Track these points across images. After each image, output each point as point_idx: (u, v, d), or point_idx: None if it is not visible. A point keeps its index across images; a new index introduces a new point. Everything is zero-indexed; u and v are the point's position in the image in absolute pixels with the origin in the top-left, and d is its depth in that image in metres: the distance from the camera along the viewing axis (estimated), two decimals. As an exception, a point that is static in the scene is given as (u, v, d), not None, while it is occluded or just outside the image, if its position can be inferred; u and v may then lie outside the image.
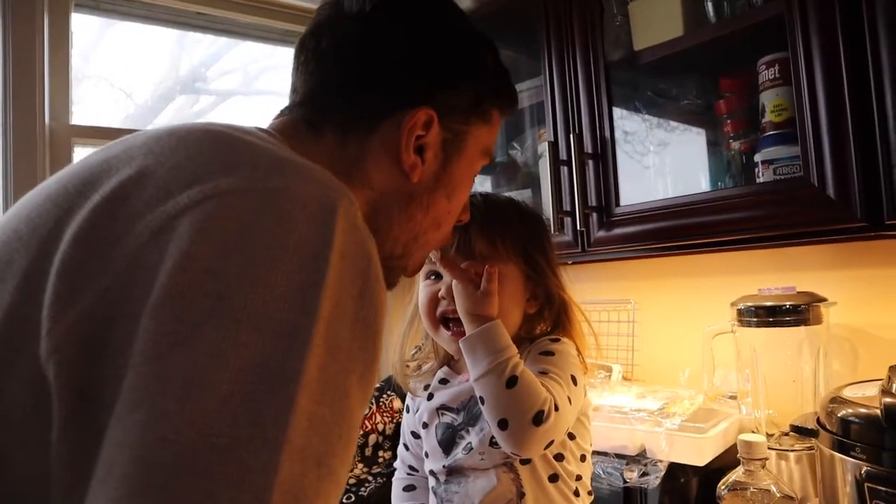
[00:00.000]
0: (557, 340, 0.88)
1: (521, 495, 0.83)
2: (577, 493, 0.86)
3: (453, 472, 0.86)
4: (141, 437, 0.35)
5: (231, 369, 0.37)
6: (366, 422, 1.55)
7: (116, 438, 0.36)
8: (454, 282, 0.83)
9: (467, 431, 0.86)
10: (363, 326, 0.43)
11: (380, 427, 1.56)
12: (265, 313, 0.39)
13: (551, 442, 0.78)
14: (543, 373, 0.82)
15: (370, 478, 1.49)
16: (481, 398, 0.78)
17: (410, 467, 0.98)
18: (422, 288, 0.89)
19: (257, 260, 0.40)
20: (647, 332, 1.34)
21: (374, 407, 1.57)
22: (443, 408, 0.89)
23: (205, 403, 0.36)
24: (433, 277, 0.88)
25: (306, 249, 0.41)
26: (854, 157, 0.81)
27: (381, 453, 1.56)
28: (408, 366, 0.95)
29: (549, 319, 0.92)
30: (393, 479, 1.00)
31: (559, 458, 0.85)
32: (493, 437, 0.82)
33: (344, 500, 1.43)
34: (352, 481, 1.48)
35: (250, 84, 1.90)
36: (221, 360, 0.37)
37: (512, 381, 0.76)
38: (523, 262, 0.88)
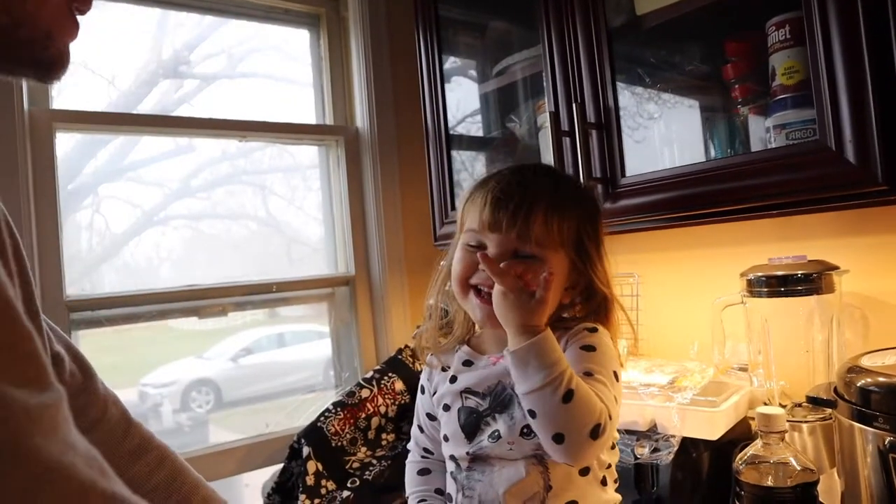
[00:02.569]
0: (595, 331, 0.83)
1: (549, 488, 0.79)
2: (604, 482, 0.83)
3: (477, 459, 0.83)
4: None
5: None
6: (367, 405, 1.52)
7: None
8: (497, 287, 0.76)
9: (493, 418, 0.82)
10: None
11: (382, 410, 1.53)
12: None
13: None
14: (588, 373, 0.78)
15: (374, 461, 1.47)
16: (532, 412, 0.73)
17: (425, 450, 0.95)
18: (461, 254, 0.83)
19: None
20: (654, 306, 1.32)
21: (375, 389, 1.54)
22: (467, 391, 0.85)
23: None
24: (474, 245, 0.82)
25: None
26: (874, 117, 0.78)
27: (384, 436, 1.54)
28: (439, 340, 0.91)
29: (583, 309, 0.87)
30: (406, 462, 0.97)
31: None
32: (524, 428, 0.79)
33: (349, 485, 1.41)
34: (356, 465, 1.46)
35: (235, 67, 1.85)
36: None
37: (568, 396, 0.72)
38: (574, 250, 0.82)
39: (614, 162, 1.10)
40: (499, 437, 0.81)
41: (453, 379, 0.87)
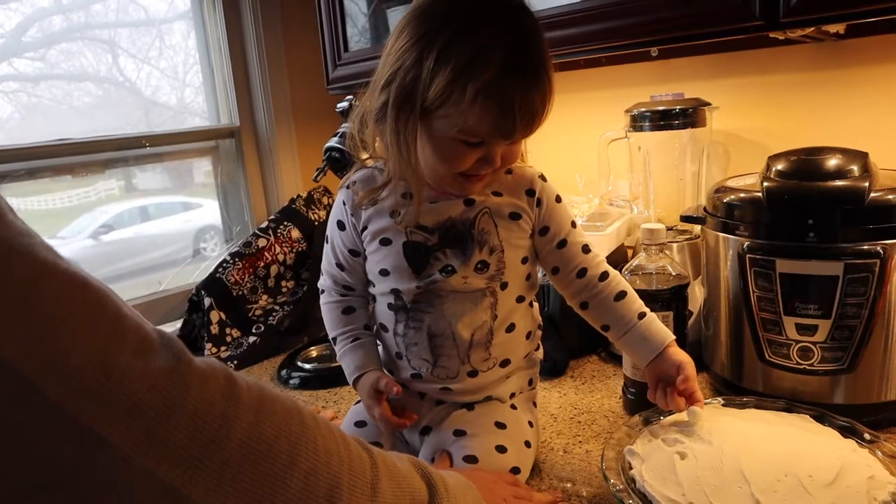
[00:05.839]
0: (544, 177, 0.87)
1: (495, 318, 0.84)
2: (530, 304, 0.90)
3: (427, 292, 0.82)
4: None
5: None
6: (265, 253, 1.53)
7: None
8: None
9: (444, 254, 0.81)
10: None
11: (280, 258, 1.55)
12: None
13: None
14: (574, 224, 0.88)
15: (276, 307, 1.51)
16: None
17: (345, 287, 0.91)
18: (457, 150, 0.74)
19: None
20: (541, 146, 1.39)
21: (272, 238, 1.55)
22: (413, 225, 0.81)
23: None
24: (471, 144, 0.74)
25: None
26: (757, -45, 0.85)
27: (283, 283, 1.57)
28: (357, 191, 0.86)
29: None
30: (322, 304, 0.93)
31: (529, 277, 0.87)
32: (478, 263, 0.81)
33: (254, 331, 1.45)
34: (259, 312, 1.49)
35: None
36: None
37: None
38: None
39: None
40: (452, 271, 0.81)
41: (394, 213, 0.82)
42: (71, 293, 0.39)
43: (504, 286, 0.83)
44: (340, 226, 0.88)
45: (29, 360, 0.36)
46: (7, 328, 0.35)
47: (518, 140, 0.77)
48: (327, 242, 0.91)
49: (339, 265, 0.90)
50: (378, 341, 0.91)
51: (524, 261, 0.86)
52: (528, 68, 0.70)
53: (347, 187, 0.87)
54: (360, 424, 0.90)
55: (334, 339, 0.91)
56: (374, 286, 0.88)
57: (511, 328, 0.86)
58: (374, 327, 0.91)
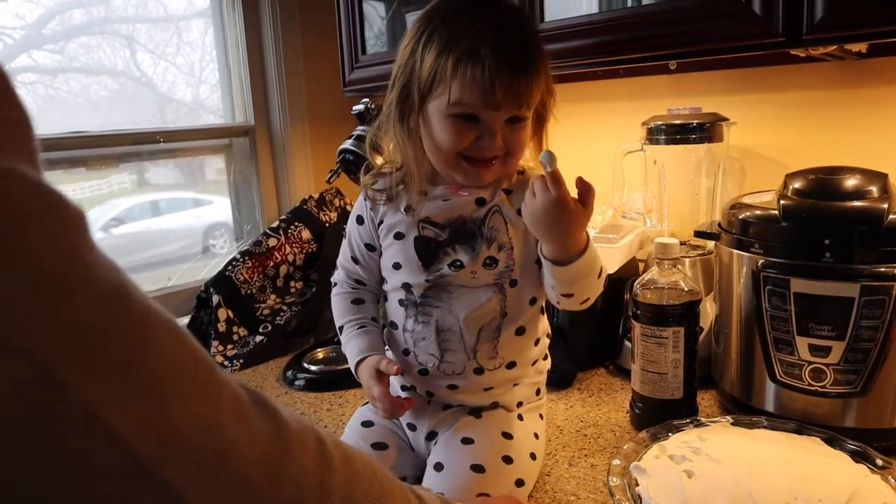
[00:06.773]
0: None
1: (504, 315, 0.84)
2: (542, 311, 0.90)
3: (436, 286, 0.84)
4: None
5: None
6: (275, 253, 1.53)
7: None
8: (550, 200, 0.74)
9: (454, 249, 0.83)
10: None
11: (290, 258, 1.55)
12: None
13: None
14: None
15: (284, 307, 1.51)
16: (569, 294, 0.80)
17: (357, 281, 0.94)
18: (450, 126, 0.78)
19: None
20: (557, 154, 1.38)
21: (282, 238, 1.55)
22: (425, 221, 0.84)
23: None
24: (465, 119, 0.77)
25: None
26: (781, -27, 0.84)
27: (292, 283, 1.57)
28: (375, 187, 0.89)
29: None
30: (333, 296, 0.96)
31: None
32: (486, 259, 0.82)
33: (261, 330, 1.45)
34: (266, 312, 1.49)
35: None
36: None
37: (601, 273, 0.82)
38: (538, 103, 0.82)
39: (534, 6, 1.11)
40: (461, 266, 0.83)
41: (408, 208, 0.85)
42: (175, 348, 0.34)
43: (513, 283, 0.85)
44: (360, 220, 0.92)
45: (142, 435, 0.31)
46: (120, 395, 0.31)
47: (506, 111, 0.77)
48: (345, 237, 0.95)
49: (354, 258, 0.93)
50: (386, 343, 0.93)
51: (538, 262, 0.86)
52: (506, 40, 0.75)
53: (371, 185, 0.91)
54: (366, 424, 0.91)
55: (341, 328, 0.93)
56: (386, 282, 0.90)
57: (521, 331, 0.86)
58: (385, 327, 0.93)
